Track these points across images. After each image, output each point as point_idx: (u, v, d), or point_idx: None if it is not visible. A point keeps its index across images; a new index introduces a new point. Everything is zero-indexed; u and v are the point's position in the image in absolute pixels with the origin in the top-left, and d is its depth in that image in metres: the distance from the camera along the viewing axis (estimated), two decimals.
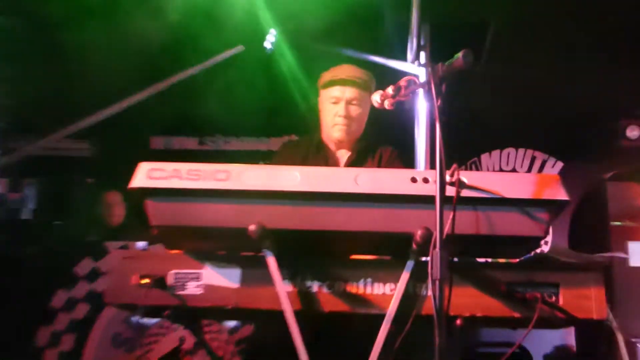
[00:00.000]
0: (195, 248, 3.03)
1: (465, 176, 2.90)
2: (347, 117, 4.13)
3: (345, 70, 4.21)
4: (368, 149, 4.25)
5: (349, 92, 4.14)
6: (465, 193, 2.86)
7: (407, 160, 4.36)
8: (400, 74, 4.96)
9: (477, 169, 7.22)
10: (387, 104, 3.29)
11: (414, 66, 5.03)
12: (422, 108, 4.98)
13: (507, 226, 2.85)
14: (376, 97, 3.38)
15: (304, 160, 4.18)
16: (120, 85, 4.33)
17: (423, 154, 4.87)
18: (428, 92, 2.75)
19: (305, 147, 4.29)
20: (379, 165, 4.16)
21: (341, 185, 2.85)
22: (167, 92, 4.52)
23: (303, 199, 2.90)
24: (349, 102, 4.13)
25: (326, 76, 4.24)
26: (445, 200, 2.67)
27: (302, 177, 2.90)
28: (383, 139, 4.30)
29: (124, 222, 6.63)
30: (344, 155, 4.26)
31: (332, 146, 4.27)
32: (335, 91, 4.16)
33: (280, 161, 4.15)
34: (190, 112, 5.93)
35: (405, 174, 2.92)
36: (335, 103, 4.16)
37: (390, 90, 3.27)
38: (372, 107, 3.49)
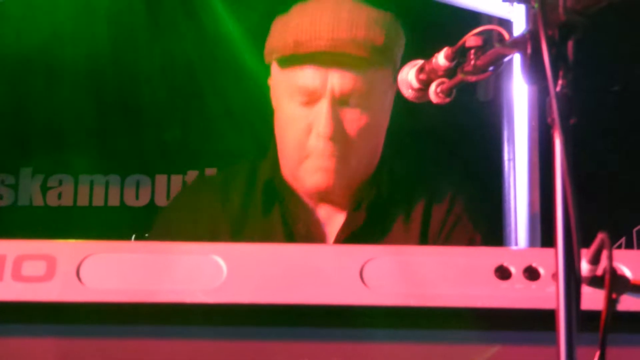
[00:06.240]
0: None
1: (629, 262, 1.51)
2: (337, 138, 2.05)
3: (329, 22, 2.01)
4: (391, 200, 2.17)
5: (340, 78, 2.03)
6: (628, 303, 1.45)
7: (484, 223, 2.34)
8: (471, 20, 3.02)
9: None
10: (434, 93, 1.69)
11: (499, 3, 3.07)
12: (520, 102, 3.05)
13: None
14: (410, 76, 1.71)
15: (233, 228, 2.15)
16: None
17: (525, 213, 2.99)
18: (533, 61, 1.37)
19: (238, 193, 2.20)
20: (427, 237, 2.19)
21: (333, 288, 1.46)
22: None
23: (234, 323, 1.46)
24: (340, 101, 2.05)
25: (285, 35, 2.06)
26: (584, 322, 1.27)
27: (231, 270, 1.45)
28: (431, 174, 2.33)
29: None
30: (332, 216, 2.18)
31: (304, 196, 2.18)
32: (307, 75, 2.04)
33: (175, 229, 2.18)
34: None
35: (481, 256, 1.54)
36: (307, 104, 2.06)
37: (441, 59, 1.67)
38: (398, 96, 1.84)
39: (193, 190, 2.30)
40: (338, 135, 2.00)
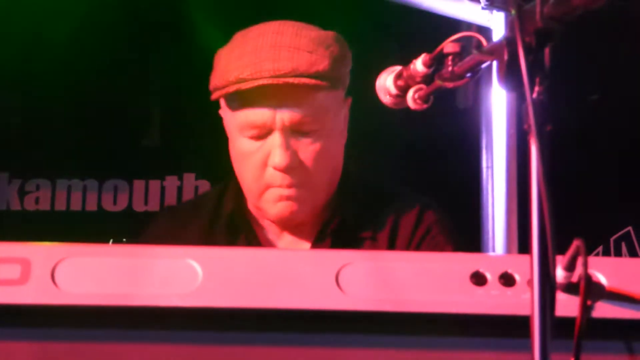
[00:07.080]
0: None
1: (604, 269, 1.48)
2: (293, 168, 2.00)
3: (269, 54, 1.95)
4: (356, 223, 2.10)
5: (289, 110, 1.97)
6: (603, 310, 1.43)
7: (457, 235, 2.20)
8: (447, 26, 3.08)
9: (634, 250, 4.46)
10: (412, 99, 1.68)
11: (479, 10, 3.08)
12: (499, 110, 3.07)
13: None
14: (388, 83, 1.71)
15: None
16: None
17: (502, 219, 2.99)
18: (510, 68, 1.35)
19: (205, 226, 2.16)
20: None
21: (309, 293, 1.42)
22: None
23: (209, 327, 1.41)
24: (292, 131, 1.99)
25: (226, 72, 1.98)
26: (559, 329, 1.26)
27: (207, 274, 1.40)
28: (398, 189, 2.22)
29: None
30: (297, 245, 2.12)
31: (268, 226, 2.14)
32: (255, 111, 1.98)
33: None
34: None
35: (457, 262, 1.51)
36: (259, 137, 2.00)
37: (419, 65, 1.67)
38: (376, 103, 1.76)
39: (161, 222, 2.24)
40: (294, 165, 1.95)
